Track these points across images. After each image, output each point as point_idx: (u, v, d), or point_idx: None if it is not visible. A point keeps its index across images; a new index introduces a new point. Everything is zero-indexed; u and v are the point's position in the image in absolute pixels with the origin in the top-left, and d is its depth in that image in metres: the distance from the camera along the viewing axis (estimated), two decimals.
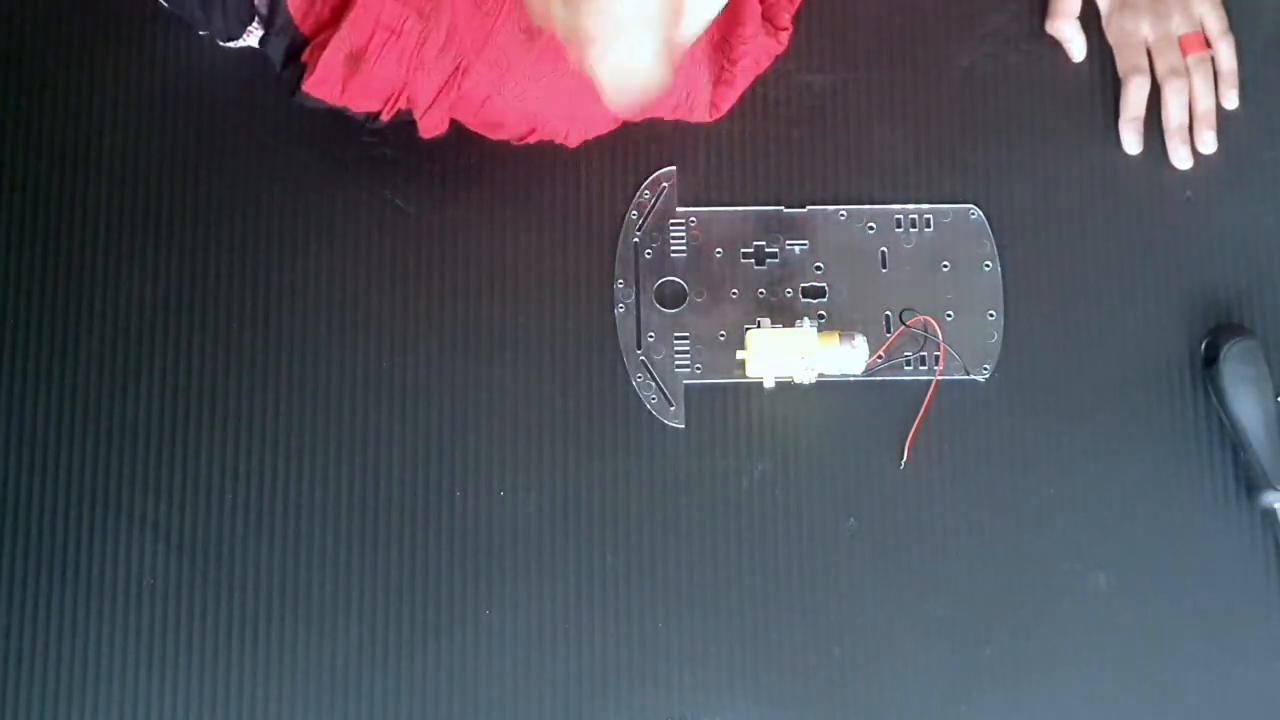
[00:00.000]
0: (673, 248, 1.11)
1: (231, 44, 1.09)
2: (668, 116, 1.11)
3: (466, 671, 1.03)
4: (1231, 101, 1.13)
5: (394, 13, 1.01)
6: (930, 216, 1.12)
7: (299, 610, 1.04)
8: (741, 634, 1.04)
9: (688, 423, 1.08)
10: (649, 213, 1.11)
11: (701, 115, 1.11)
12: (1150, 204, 1.12)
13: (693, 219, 1.11)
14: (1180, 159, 1.12)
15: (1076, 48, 1.14)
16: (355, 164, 1.11)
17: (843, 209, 1.12)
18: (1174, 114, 1.12)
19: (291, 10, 1.02)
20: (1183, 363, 1.09)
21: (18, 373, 1.07)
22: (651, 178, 1.12)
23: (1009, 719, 1.04)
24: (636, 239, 1.11)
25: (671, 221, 1.11)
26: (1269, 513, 1.05)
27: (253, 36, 1.07)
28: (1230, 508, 1.07)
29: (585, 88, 0.93)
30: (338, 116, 1.06)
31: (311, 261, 1.10)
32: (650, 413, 1.08)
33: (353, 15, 1.01)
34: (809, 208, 1.12)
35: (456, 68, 1.03)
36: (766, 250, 1.11)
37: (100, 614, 1.04)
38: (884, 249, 1.11)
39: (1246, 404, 1.05)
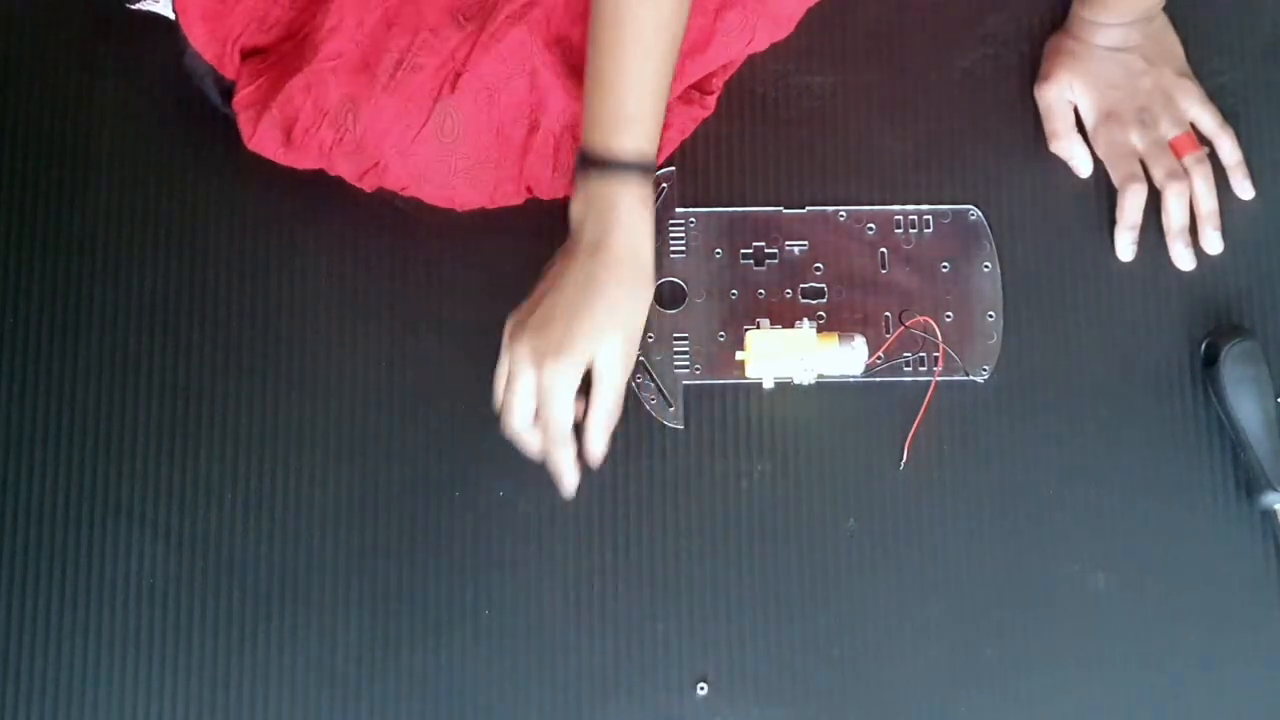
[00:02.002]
0: (673, 248, 1.11)
1: (133, 6, 1.10)
2: None
3: (466, 671, 1.03)
4: (1247, 191, 1.11)
5: (310, 115, 1.04)
6: (930, 217, 1.12)
7: (299, 610, 1.04)
8: (741, 634, 1.04)
9: (687, 423, 1.08)
10: None
11: None
12: (1150, 203, 1.12)
13: (693, 219, 1.11)
14: (1183, 261, 1.10)
15: (1081, 164, 1.12)
16: None
17: (842, 209, 1.12)
18: (1175, 216, 1.10)
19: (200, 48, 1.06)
20: (1183, 363, 1.09)
21: (18, 373, 1.07)
22: None
23: (1008, 719, 1.04)
24: None
25: (671, 221, 1.11)
26: (1269, 513, 1.05)
27: (159, 6, 1.08)
28: (1230, 508, 1.06)
29: (507, 177, 1.04)
30: None
31: (311, 261, 1.10)
32: (649, 413, 1.07)
33: (280, 99, 1.04)
34: (809, 208, 1.12)
35: (376, 163, 1.06)
36: (766, 250, 1.11)
37: (100, 614, 1.04)
38: (884, 250, 1.11)
39: (1246, 404, 1.05)
